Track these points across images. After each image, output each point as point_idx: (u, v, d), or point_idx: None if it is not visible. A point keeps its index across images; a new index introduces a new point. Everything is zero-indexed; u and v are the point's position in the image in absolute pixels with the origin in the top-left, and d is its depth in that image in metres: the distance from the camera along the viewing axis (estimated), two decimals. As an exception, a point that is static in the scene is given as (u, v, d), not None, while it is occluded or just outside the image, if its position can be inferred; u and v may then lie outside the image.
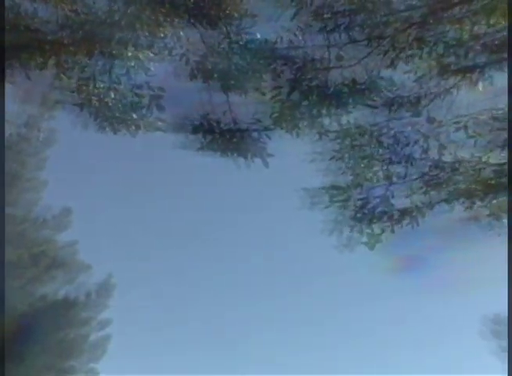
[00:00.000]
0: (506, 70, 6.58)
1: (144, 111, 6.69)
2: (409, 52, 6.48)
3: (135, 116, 6.59)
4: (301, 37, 6.57)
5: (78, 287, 15.20)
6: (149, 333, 14.71)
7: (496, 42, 6.47)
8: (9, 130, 14.67)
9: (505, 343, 13.22)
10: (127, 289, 14.61)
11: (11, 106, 13.34)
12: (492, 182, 6.88)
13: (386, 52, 6.51)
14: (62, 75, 6.53)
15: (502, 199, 6.97)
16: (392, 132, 6.98)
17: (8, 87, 6.52)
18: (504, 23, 6.35)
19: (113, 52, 6.36)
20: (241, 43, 6.53)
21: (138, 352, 14.26)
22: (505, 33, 6.44)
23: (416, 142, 6.94)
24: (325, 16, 6.44)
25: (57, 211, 15.36)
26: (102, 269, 14.73)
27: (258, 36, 6.51)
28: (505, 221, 7.10)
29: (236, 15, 6.39)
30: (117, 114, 6.58)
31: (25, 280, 14.67)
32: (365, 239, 7.33)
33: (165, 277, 15.02)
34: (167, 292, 15.02)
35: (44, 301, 14.82)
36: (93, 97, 6.59)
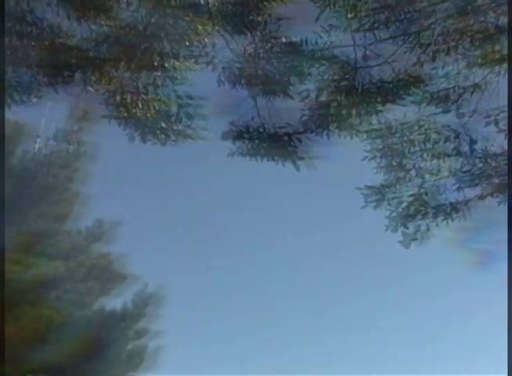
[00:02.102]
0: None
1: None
2: (435, 48, 6.43)
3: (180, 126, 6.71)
4: (326, 39, 6.58)
5: (129, 298, 15.40)
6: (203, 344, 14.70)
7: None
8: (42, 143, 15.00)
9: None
10: (179, 300, 14.68)
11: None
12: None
13: (412, 50, 6.47)
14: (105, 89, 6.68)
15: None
16: (423, 129, 6.94)
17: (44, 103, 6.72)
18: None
19: (141, 62, 6.47)
20: (266, 48, 6.58)
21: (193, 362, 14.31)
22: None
23: (447, 138, 6.88)
24: (348, 16, 6.44)
25: (105, 223, 15.60)
26: (153, 280, 14.86)
27: (283, 40, 6.56)
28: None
29: (259, 19, 6.45)
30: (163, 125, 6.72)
31: (77, 293, 14.92)
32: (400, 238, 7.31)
33: (220, 288, 14.87)
34: (223, 303, 14.87)
35: (99, 314, 15.04)
36: (137, 109, 6.72)
